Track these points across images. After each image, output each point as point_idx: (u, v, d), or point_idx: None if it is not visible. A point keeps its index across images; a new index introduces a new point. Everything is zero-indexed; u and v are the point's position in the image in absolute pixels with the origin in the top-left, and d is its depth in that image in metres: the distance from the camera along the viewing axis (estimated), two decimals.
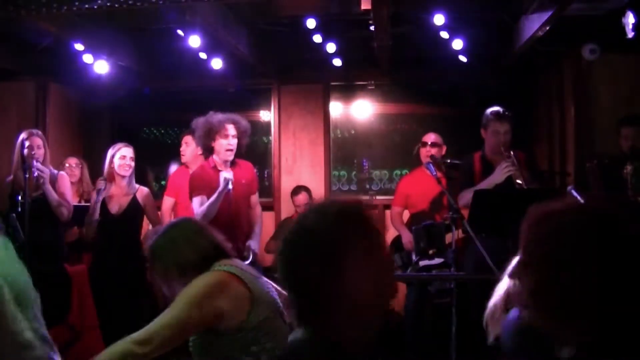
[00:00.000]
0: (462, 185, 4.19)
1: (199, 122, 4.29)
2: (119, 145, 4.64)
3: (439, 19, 4.46)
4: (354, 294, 1.29)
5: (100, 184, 4.50)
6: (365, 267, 1.31)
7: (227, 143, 4.18)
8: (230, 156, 4.22)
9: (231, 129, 4.18)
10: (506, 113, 4.15)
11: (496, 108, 4.18)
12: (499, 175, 3.98)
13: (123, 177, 4.58)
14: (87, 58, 4.99)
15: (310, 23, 4.59)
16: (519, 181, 3.93)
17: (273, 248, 6.08)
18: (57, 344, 2.04)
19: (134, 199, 4.65)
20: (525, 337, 1.68)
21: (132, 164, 4.60)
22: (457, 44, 5.00)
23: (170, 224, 2.48)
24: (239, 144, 4.27)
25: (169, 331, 2.04)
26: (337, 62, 5.48)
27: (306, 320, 1.34)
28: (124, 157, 4.56)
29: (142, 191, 4.75)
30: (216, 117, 4.21)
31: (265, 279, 2.39)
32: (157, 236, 2.37)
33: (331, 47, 5.04)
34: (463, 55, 5.23)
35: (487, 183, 4.01)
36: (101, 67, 5.08)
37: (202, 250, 2.28)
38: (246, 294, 2.17)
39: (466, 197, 3.97)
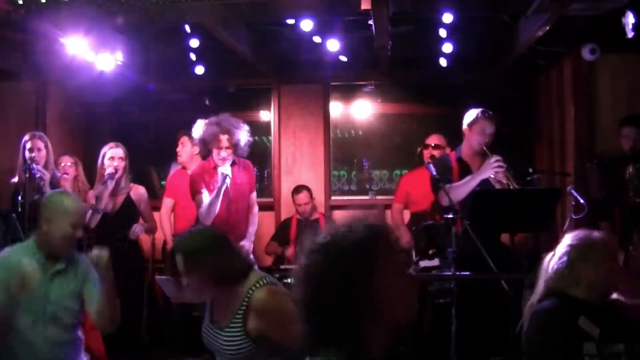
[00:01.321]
0: (442, 181, 3.98)
1: (198, 129, 4.36)
2: (109, 145, 4.66)
3: (447, 18, 4.43)
4: (386, 312, 1.32)
5: (110, 169, 4.51)
6: (395, 286, 1.33)
7: (220, 154, 4.25)
8: (225, 164, 4.25)
9: (225, 141, 4.23)
10: (493, 115, 4.14)
11: (482, 109, 4.16)
12: (488, 170, 3.91)
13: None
14: (89, 56, 4.97)
15: (306, 25, 4.56)
16: (504, 181, 3.88)
17: (272, 249, 6.08)
18: None
19: (128, 197, 4.68)
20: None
21: (122, 164, 4.61)
22: (447, 48, 4.98)
23: (204, 231, 2.53)
24: (239, 151, 4.32)
25: None
26: (343, 58, 5.38)
27: (334, 340, 1.31)
28: (112, 158, 4.59)
29: (136, 189, 4.78)
30: (210, 128, 4.26)
31: None
32: (194, 238, 2.39)
33: (334, 45, 4.98)
34: (461, 56, 5.22)
35: (475, 179, 3.93)
36: (105, 63, 5.03)
37: (241, 261, 2.41)
38: None
39: (455, 191, 3.91)
